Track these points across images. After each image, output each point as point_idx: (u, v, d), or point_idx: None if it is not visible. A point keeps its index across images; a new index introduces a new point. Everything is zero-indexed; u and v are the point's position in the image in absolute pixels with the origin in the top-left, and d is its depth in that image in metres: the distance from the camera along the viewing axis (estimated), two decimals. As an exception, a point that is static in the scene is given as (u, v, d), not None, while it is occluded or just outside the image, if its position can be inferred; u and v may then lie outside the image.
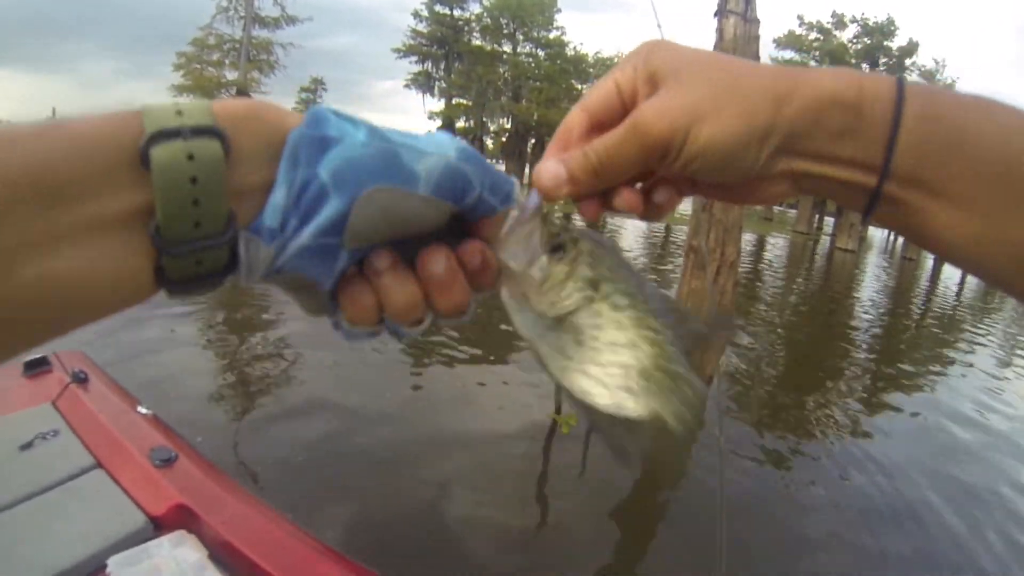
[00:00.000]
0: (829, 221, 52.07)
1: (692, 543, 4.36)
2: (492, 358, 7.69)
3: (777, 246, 32.27)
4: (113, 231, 0.31)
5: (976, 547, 5.05)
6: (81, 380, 2.58)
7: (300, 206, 0.35)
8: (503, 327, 8.45)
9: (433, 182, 0.38)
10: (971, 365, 11.83)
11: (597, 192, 0.47)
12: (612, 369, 0.46)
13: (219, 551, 1.78)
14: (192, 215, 0.32)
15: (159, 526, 1.84)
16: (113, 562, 1.64)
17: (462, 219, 0.43)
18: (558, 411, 5.96)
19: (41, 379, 2.65)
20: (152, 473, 2.00)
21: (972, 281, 39.55)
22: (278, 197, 0.35)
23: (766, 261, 24.07)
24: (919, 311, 19.56)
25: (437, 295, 0.41)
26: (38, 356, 2.75)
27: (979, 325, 17.65)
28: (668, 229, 29.58)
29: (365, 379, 6.58)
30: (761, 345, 10.55)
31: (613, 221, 31.23)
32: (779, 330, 12.77)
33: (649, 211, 0.50)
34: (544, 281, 0.45)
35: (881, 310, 17.94)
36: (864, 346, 12.67)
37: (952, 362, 12.20)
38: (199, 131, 0.32)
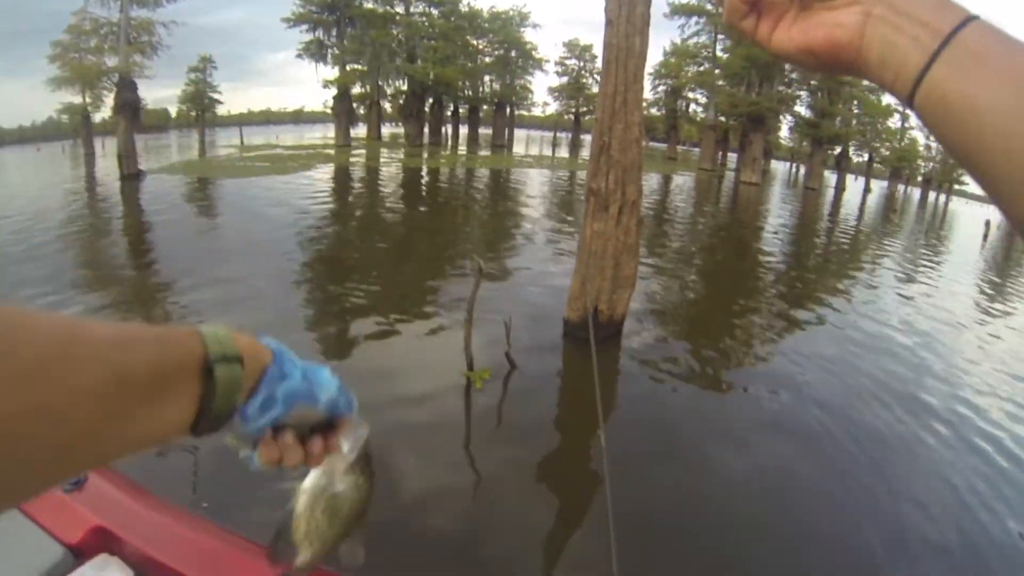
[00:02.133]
0: (733, 157, 53.76)
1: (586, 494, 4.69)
2: (403, 321, 7.70)
3: (683, 185, 33.22)
4: (184, 406, 0.54)
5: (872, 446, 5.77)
6: None
7: (263, 408, 0.62)
8: (424, 292, 8.61)
9: (325, 405, 0.71)
10: (876, 288, 12.74)
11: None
12: (322, 521, 0.80)
13: (145, 569, 1.76)
14: (227, 403, 0.57)
15: (79, 554, 1.79)
16: None
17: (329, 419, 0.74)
18: (470, 367, 6.07)
19: None
20: (63, 499, 1.91)
21: (871, 204, 42.10)
22: (258, 400, 0.62)
23: (673, 199, 24.83)
24: (824, 236, 20.69)
25: (309, 457, 0.72)
26: None
27: (882, 243, 18.89)
28: (573, 176, 29.96)
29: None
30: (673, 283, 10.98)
31: (519, 171, 31.41)
32: (691, 262, 13.32)
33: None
34: (344, 466, 0.78)
35: (788, 236, 18.89)
36: (775, 270, 13.41)
37: (856, 281, 13.14)
38: (236, 359, 0.57)
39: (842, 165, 56.23)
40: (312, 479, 0.79)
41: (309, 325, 7.47)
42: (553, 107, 60.08)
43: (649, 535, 4.10)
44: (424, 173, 28.02)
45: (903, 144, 70.33)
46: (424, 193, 22.23)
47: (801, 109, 47.82)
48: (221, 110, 59.35)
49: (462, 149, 45.84)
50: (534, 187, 24.69)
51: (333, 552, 0.84)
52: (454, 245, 12.77)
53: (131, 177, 22.33)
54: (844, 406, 6.44)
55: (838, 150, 52.71)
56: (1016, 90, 0.43)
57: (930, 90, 0.47)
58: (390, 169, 28.45)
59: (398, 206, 18.44)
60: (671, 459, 5.21)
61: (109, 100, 27.35)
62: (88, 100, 33.39)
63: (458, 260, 10.92)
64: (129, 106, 23.77)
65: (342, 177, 25.23)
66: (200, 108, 51.13)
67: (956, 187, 78.71)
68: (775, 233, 19.15)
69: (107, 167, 24.59)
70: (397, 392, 5.83)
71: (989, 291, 15.15)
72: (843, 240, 20.33)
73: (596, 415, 5.03)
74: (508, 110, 54.83)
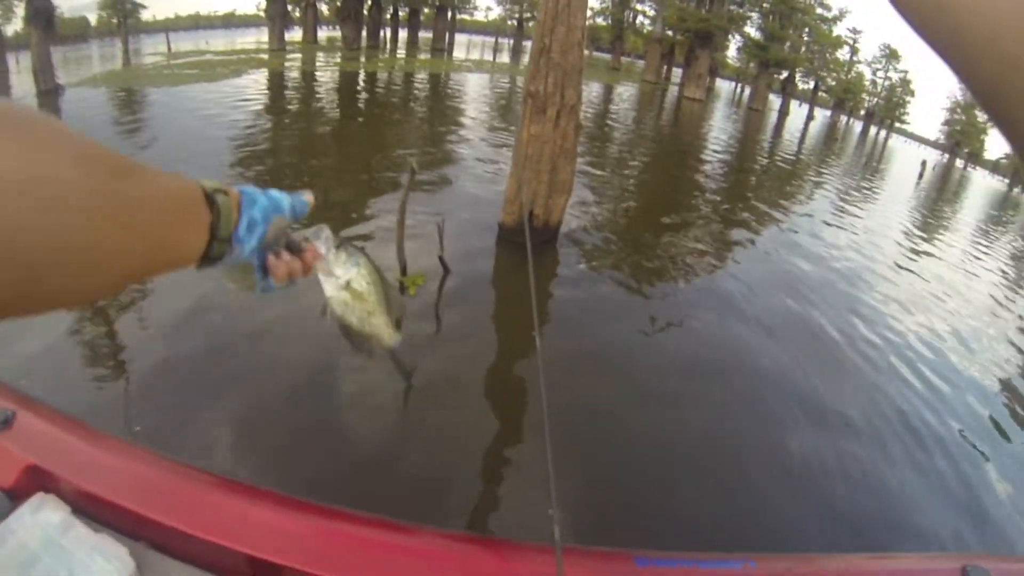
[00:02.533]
0: (677, 73, 53.66)
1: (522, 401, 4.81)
2: (336, 227, 7.55)
3: (625, 95, 33.08)
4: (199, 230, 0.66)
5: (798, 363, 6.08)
6: None
7: (249, 229, 0.74)
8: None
9: (290, 211, 0.84)
10: (810, 215, 13.11)
11: None
12: (358, 311, 0.98)
13: (83, 504, 1.71)
14: (227, 226, 0.69)
15: (14, 496, 1.73)
16: None
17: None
18: (403, 272, 6.02)
19: None
20: None
21: (813, 131, 42.95)
22: (243, 223, 0.73)
23: (614, 109, 24.76)
24: (764, 158, 20.98)
25: (305, 266, 0.88)
26: None
27: (820, 170, 19.30)
28: (513, 81, 29.51)
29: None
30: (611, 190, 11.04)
31: (458, 76, 30.69)
32: (629, 172, 13.39)
33: None
34: (333, 262, 0.93)
35: (730, 155, 19.09)
36: (713, 188, 13.62)
37: (794, 204, 13.49)
38: (224, 192, 0.70)
39: (787, 90, 56.86)
40: (327, 286, 0.96)
41: None
42: (496, 12, 58.77)
43: (580, 433, 4.25)
44: (361, 77, 27.11)
45: (850, 76, 71.46)
46: (360, 97, 21.58)
47: (751, 30, 47.84)
48: (146, 15, 56.22)
49: (401, 53, 44.44)
50: (473, 92, 24.23)
51: (392, 340, 1.05)
52: (390, 150, 12.51)
53: (49, 93, 20.94)
54: (761, 317, 6.76)
55: (784, 75, 53.24)
56: None
57: None
58: (326, 74, 27.41)
59: (334, 111, 17.91)
60: (601, 359, 5.37)
61: (20, 11, 25.47)
62: None
63: (394, 167, 10.72)
64: (42, 15, 22.04)
65: (276, 83, 24.22)
66: (122, 14, 48.27)
67: (897, 124, 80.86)
68: (715, 150, 19.35)
69: (22, 83, 23.15)
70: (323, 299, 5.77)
71: (917, 228, 15.77)
72: (783, 163, 20.70)
73: (531, 319, 5.11)
74: (449, 13, 53.13)
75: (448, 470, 3.86)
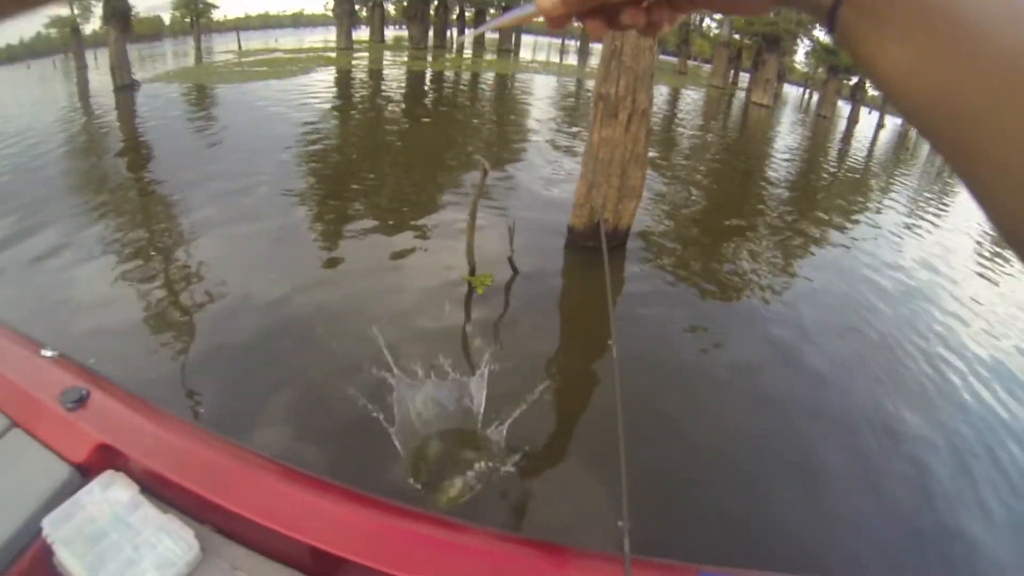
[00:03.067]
0: (745, 77, 52.83)
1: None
2: (404, 225, 7.77)
3: (692, 99, 32.76)
4: None
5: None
6: None
7: None
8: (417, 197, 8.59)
9: None
10: (878, 224, 12.82)
11: (596, 10, 0.55)
12: None
13: (151, 483, 1.79)
14: None
15: (85, 472, 1.82)
16: (48, 523, 1.64)
17: None
18: (472, 273, 6.15)
19: None
20: (66, 418, 1.94)
21: (883, 139, 41.81)
22: None
23: (681, 113, 24.57)
24: (833, 166, 20.58)
25: None
26: None
27: (891, 180, 18.88)
28: (580, 83, 29.50)
29: (283, 266, 6.62)
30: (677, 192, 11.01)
31: (525, 76, 30.81)
32: (696, 177, 13.31)
33: (649, 28, 0.57)
34: None
35: (796, 163, 18.80)
36: (780, 196, 13.44)
37: (863, 214, 13.23)
38: None
39: (857, 96, 55.30)
40: None
41: (314, 234, 7.48)
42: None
43: (645, 437, 4.29)
44: (428, 76, 27.49)
45: (921, 82, 69.33)
46: (428, 96, 21.89)
47: (820, 34, 46.77)
48: (217, 15, 57.88)
49: (468, 53, 44.82)
50: (540, 93, 24.32)
51: None
52: (457, 150, 12.68)
53: (125, 88, 21.95)
54: (835, 324, 6.70)
55: (854, 80, 51.86)
56: (916, 50, 0.39)
57: (844, 38, 0.45)
58: (393, 71, 27.84)
59: (401, 109, 18.20)
60: (666, 366, 5.40)
61: (98, 10, 26.57)
62: (76, 11, 32.61)
63: (461, 168, 10.86)
64: (119, 15, 23.02)
65: (343, 80, 24.74)
66: (195, 14, 49.73)
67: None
68: (783, 157, 19.08)
69: (100, 79, 24.05)
70: (398, 296, 5.96)
71: (988, 245, 15.29)
72: (852, 172, 20.27)
73: (599, 323, 5.17)
74: (516, 14, 53.30)
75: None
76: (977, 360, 6.79)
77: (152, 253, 6.92)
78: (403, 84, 24.43)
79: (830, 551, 3.70)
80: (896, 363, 6.27)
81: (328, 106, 17.17)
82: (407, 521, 1.65)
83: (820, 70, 52.58)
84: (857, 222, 12.26)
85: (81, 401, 1.96)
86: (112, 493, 1.72)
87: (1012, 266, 11.40)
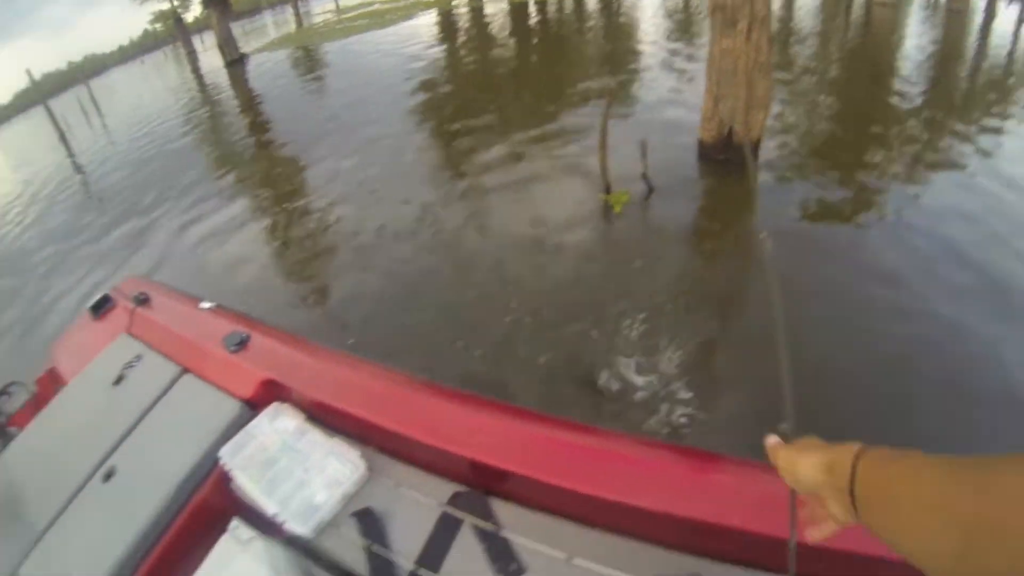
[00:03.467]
0: (865, -24, 49.25)
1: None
2: (530, 150, 8.10)
3: (808, 1, 31.03)
4: None
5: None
6: (143, 301, 2.72)
7: None
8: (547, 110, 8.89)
9: None
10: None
11: None
12: None
13: (314, 411, 1.94)
14: None
15: (254, 406, 2.00)
16: (225, 453, 1.83)
17: None
18: (607, 191, 6.42)
19: (109, 316, 2.83)
20: (232, 360, 2.13)
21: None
22: None
23: (799, 16, 23.41)
24: (970, 68, 19.28)
25: None
26: (99, 297, 2.92)
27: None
28: None
29: (405, 211, 7.08)
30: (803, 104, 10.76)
31: None
32: (820, 85, 12.90)
33: None
34: None
35: (928, 65, 17.74)
36: (913, 100, 12.83)
37: (1007, 122, 12.46)
38: None
39: (994, -14, 50.72)
40: None
41: (442, 163, 7.87)
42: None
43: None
44: (532, 6, 27.22)
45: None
46: (534, 25, 21.75)
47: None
48: (312, -21, 58.66)
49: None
50: (651, 6, 23.72)
51: None
52: (572, 78, 12.72)
53: (235, 62, 23.30)
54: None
55: (991, -30, 47.48)
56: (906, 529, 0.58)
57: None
58: (494, 7, 27.67)
59: (510, 42, 18.23)
60: (819, 272, 5.38)
61: None
62: (176, 3, 34.20)
63: (579, 97, 10.92)
64: None
65: (446, 21, 24.86)
66: None
67: None
68: (913, 59, 18.04)
69: (210, 59, 25.11)
70: (536, 218, 6.30)
71: None
72: (994, 72, 18.93)
73: (743, 231, 5.28)
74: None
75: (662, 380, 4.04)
76: None
77: (286, 207, 7.53)
78: (508, 16, 24.30)
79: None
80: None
81: (436, 48, 17.38)
82: (564, 432, 1.67)
83: (951, -39, 48.36)
84: (1000, 131, 11.58)
85: (243, 344, 2.17)
86: (280, 423, 1.89)
87: None
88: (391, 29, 23.11)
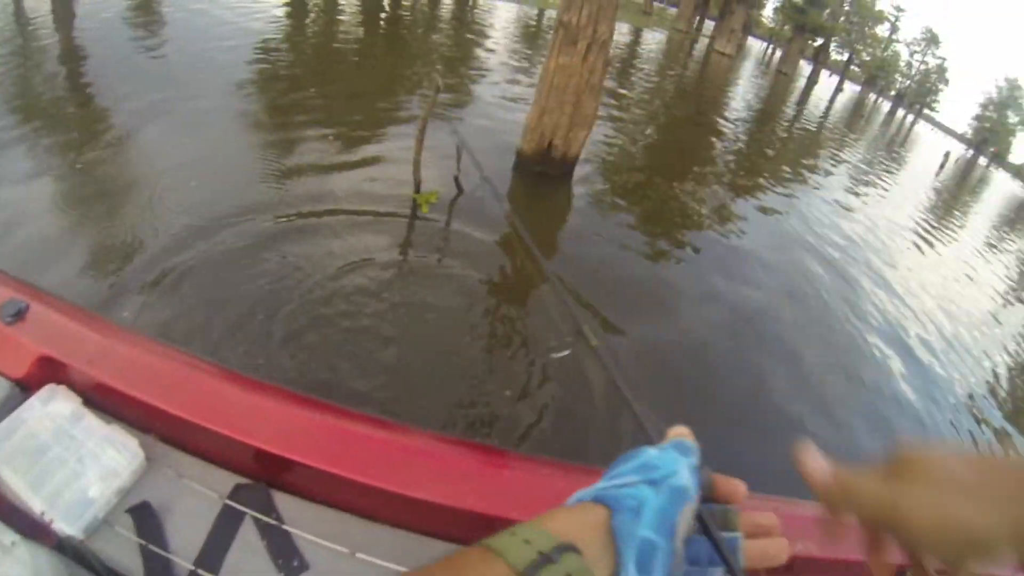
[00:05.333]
0: (710, 25, 52.88)
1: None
2: (355, 143, 7.69)
3: (655, 40, 32.73)
4: None
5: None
6: None
7: (644, 567, 0.49)
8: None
9: (694, 485, 0.56)
10: (825, 189, 13.38)
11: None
12: None
13: (93, 395, 1.73)
14: None
15: (26, 387, 1.76)
16: None
17: None
18: (417, 190, 6.20)
19: None
20: (5, 332, 1.85)
21: (839, 105, 42.63)
22: (630, 573, 0.48)
23: (643, 52, 24.59)
24: (786, 124, 21.01)
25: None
26: None
27: (842, 145, 19.43)
28: (541, 13, 29.10)
29: (227, 182, 6.38)
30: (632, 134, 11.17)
31: (484, 3, 30.19)
32: (650, 117, 13.50)
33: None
34: None
35: (752, 115, 19.14)
36: (731, 146, 13.77)
37: (810, 175, 13.73)
38: (563, 548, 0.46)
39: (820, 58, 56.22)
40: None
41: (258, 147, 7.29)
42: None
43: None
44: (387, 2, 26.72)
45: (885, 54, 70.75)
46: (384, 20, 21.33)
47: (791, -9, 47.09)
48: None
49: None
50: (500, 20, 23.99)
51: None
52: (411, 73, 12.49)
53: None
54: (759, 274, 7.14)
55: (819, 42, 52.53)
56: None
57: None
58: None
59: (356, 30, 17.70)
60: (602, 278, 5.81)
61: None
62: None
63: (415, 89, 10.74)
64: None
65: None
66: None
67: (926, 111, 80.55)
68: (738, 107, 19.40)
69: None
70: (345, 210, 5.92)
71: (929, 218, 16.11)
72: (805, 132, 20.75)
73: (544, 242, 5.32)
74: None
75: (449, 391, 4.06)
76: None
77: (86, 161, 6.71)
78: (360, 3, 23.69)
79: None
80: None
81: (280, 20, 16.56)
82: (353, 422, 1.64)
83: (787, 27, 53.06)
84: (803, 181, 12.73)
85: (20, 315, 1.89)
86: (54, 407, 1.69)
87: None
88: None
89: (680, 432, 0.65)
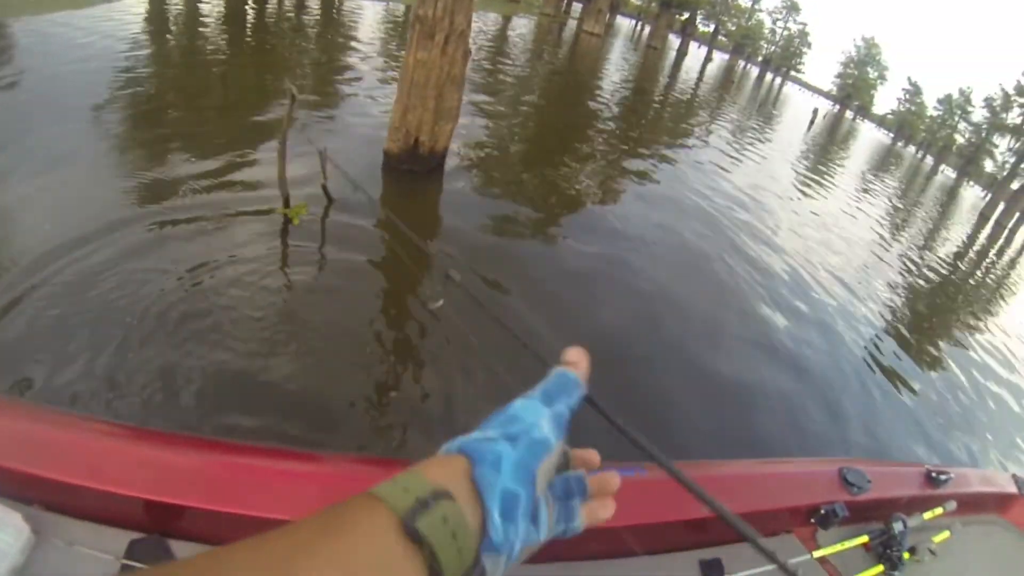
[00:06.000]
0: (577, 7, 53.75)
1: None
2: (221, 161, 7.31)
3: (522, 27, 32.98)
4: None
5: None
6: None
7: (508, 515, 0.51)
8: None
9: (556, 435, 0.58)
10: (703, 152, 13.78)
11: None
12: None
13: None
14: (461, 560, 0.47)
15: None
16: None
17: None
18: (286, 204, 5.96)
19: None
20: None
21: (710, 73, 44.18)
22: (495, 519, 0.50)
23: (511, 40, 24.72)
24: (660, 96, 21.51)
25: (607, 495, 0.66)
26: None
27: (716, 111, 20.03)
28: (408, 9, 28.85)
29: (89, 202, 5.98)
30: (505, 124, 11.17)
31: (351, 4, 29.74)
32: (523, 103, 13.54)
33: None
34: None
35: (626, 90, 19.50)
36: (607, 123, 13.97)
37: (688, 141, 14.12)
38: (439, 494, 0.47)
39: (687, 31, 58.02)
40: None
41: (122, 176, 6.85)
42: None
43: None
44: (250, 3, 25.92)
45: (750, 23, 74.13)
46: (250, 29, 20.69)
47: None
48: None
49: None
50: (368, 20, 23.64)
51: None
52: (280, 79, 12.13)
53: None
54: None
55: (686, 16, 54.25)
56: None
57: None
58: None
59: (221, 41, 17.09)
60: (488, 264, 5.85)
61: None
62: None
63: (280, 97, 10.43)
64: None
65: (157, 6, 22.79)
66: None
67: (792, 73, 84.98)
68: (612, 83, 19.73)
69: None
70: (215, 236, 5.57)
71: (803, 172, 16.89)
72: (679, 102, 21.30)
73: (418, 241, 5.22)
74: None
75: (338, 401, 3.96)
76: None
77: None
78: (222, 9, 22.90)
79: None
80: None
81: (139, 35, 15.81)
82: (244, 457, 1.60)
83: (653, 4, 54.64)
84: (681, 148, 13.07)
85: None
86: None
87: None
88: (92, 10, 20.53)
89: (572, 359, 0.65)
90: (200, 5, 25.20)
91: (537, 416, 0.58)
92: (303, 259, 5.50)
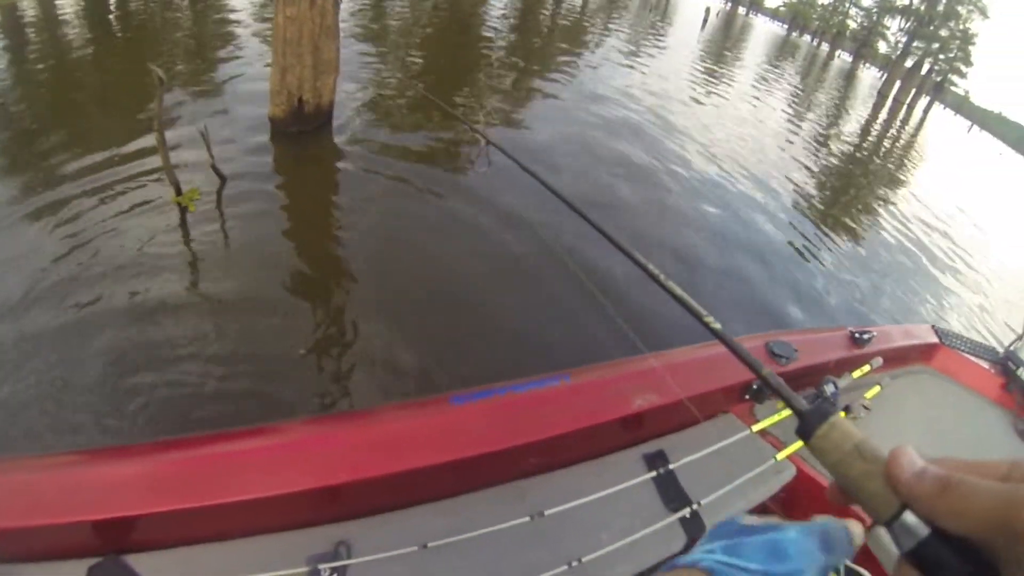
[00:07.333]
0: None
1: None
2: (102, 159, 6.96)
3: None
4: None
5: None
6: None
7: None
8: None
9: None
10: (600, 63, 13.80)
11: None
12: None
13: None
14: None
15: None
16: None
17: None
18: (178, 192, 5.74)
19: None
20: None
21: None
22: None
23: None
24: (548, 15, 21.45)
25: None
26: None
27: (608, 21, 20.06)
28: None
29: None
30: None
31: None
32: (410, 44, 13.32)
33: None
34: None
35: (513, 14, 19.36)
36: (498, 45, 13.91)
37: (584, 54, 14.17)
38: None
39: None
40: None
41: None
42: None
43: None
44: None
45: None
46: (115, 20, 19.66)
47: None
48: None
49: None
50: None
51: None
52: (156, 65, 11.59)
53: None
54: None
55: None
56: None
57: None
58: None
59: (85, 37, 16.19)
60: (401, 241, 5.66)
61: None
62: None
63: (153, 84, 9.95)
64: None
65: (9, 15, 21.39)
66: None
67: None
68: (499, 10, 19.58)
69: None
70: (110, 246, 5.20)
71: (705, 67, 17.12)
72: (568, 20, 21.21)
73: (324, 207, 5.17)
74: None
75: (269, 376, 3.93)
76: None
77: None
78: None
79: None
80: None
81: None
82: (184, 451, 1.57)
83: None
84: (579, 61, 13.09)
85: None
86: None
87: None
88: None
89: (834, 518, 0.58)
90: (56, 1, 23.93)
91: (811, 563, 0.52)
92: (207, 242, 5.33)
